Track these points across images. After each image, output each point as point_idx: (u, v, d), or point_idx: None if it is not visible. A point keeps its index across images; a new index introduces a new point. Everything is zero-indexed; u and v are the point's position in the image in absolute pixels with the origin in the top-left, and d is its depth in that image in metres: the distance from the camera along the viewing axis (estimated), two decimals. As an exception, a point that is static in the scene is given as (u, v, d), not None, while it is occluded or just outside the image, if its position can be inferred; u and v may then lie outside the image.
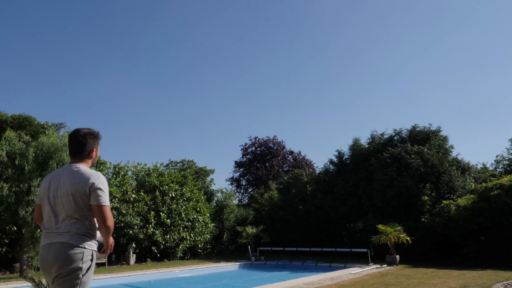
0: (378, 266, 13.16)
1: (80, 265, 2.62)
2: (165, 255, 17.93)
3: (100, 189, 2.69)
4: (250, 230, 18.11)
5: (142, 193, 17.47)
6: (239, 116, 45.10)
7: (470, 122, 38.88)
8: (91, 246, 2.73)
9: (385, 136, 19.12)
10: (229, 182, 35.14)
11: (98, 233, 2.81)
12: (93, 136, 2.93)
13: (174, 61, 38.87)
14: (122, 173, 18.21)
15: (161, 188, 18.36)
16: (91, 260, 2.70)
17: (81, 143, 2.85)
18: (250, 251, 17.01)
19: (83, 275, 2.62)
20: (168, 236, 17.55)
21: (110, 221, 2.69)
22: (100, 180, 2.73)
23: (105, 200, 2.70)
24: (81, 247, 2.65)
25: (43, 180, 2.94)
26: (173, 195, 18.77)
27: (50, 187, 2.82)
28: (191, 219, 19.15)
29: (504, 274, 10.25)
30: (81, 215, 2.70)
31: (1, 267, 13.66)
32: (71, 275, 2.59)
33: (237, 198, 33.80)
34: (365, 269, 12.22)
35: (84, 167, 2.80)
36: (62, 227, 2.69)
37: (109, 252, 2.94)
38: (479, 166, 18.80)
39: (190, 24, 38.87)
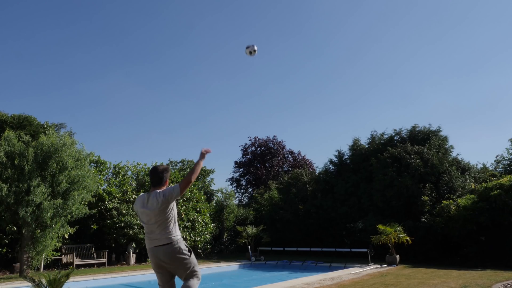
0: (378, 266, 13.16)
1: None
2: (165, 255, 17.91)
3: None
4: (250, 230, 18.11)
5: (142, 193, 17.46)
6: (239, 116, 45.13)
7: (470, 122, 38.91)
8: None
9: (385, 136, 19.13)
10: (229, 182, 35.16)
11: None
12: (167, 171, 4.02)
13: (174, 61, 38.88)
14: (122, 173, 18.21)
15: (161, 188, 18.34)
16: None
17: (160, 178, 3.93)
18: (250, 251, 17.01)
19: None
20: (168, 236, 17.53)
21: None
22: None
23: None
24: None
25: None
26: (173, 195, 18.74)
27: None
28: (191, 219, 19.15)
29: (504, 274, 10.25)
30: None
31: (1, 267, 13.66)
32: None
33: (237, 198, 33.83)
34: (365, 269, 12.22)
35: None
36: None
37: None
38: (479, 166, 18.79)
39: (190, 24, 38.89)
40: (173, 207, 3.85)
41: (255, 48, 6.96)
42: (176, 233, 3.84)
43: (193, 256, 3.88)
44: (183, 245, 3.82)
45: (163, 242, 3.74)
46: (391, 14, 37.65)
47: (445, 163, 16.31)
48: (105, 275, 11.93)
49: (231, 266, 15.46)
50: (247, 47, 6.97)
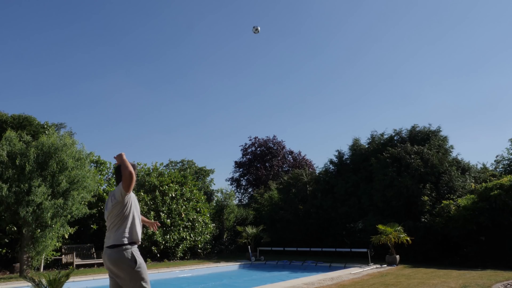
0: (378, 266, 13.16)
1: None
2: (165, 255, 17.93)
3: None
4: (250, 230, 18.11)
5: (142, 193, 17.47)
6: (239, 116, 45.14)
7: (470, 122, 38.91)
8: None
9: (385, 136, 19.13)
10: (229, 182, 35.18)
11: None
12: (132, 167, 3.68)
13: (174, 61, 38.88)
14: (122, 173, 18.19)
15: (161, 188, 18.37)
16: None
17: (120, 175, 3.54)
18: (250, 251, 17.02)
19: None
20: (168, 236, 17.55)
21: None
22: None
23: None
24: None
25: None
26: (173, 195, 18.77)
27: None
28: (191, 219, 19.15)
29: (504, 274, 10.26)
30: None
31: (1, 267, 13.66)
32: None
33: (237, 198, 33.84)
34: (365, 269, 12.23)
35: None
36: None
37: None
38: (479, 166, 18.79)
39: (189, 24, 38.89)
40: (129, 208, 3.52)
41: (258, 28, 9.04)
42: (129, 238, 3.47)
43: (142, 269, 3.43)
44: (131, 253, 3.42)
45: (109, 243, 3.44)
46: (391, 14, 37.68)
47: (445, 163, 16.31)
48: (105, 275, 11.90)
49: (231, 266, 15.46)
50: (254, 27, 8.91)
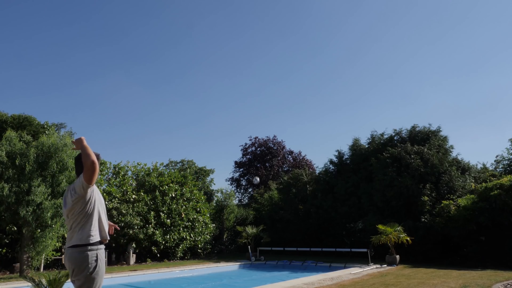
0: (378, 266, 13.16)
1: None
2: (165, 255, 17.93)
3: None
4: (250, 230, 18.12)
5: (142, 193, 17.47)
6: (239, 116, 45.14)
7: (470, 122, 38.90)
8: None
9: (385, 136, 19.13)
10: (229, 182, 35.20)
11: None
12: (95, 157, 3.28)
13: (174, 61, 38.88)
14: (122, 173, 18.21)
15: (161, 188, 18.37)
16: None
17: (81, 166, 3.12)
18: (250, 251, 17.02)
19: None
20: (168, 236, 17.55)
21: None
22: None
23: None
24: None
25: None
26: (173, 195, 18.77)
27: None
28: (191, 219, 19.15)
29: (504, 274, 10.26)
30: None
31: (1, 267, 13.66)
32: None
33: (237, 198, 33.84)
34: (365, 269, 12.23)
35: None
36: None
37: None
38: (479, 166, 18.79)
39: (189, 24, 38.89)
40: (93, 203, 3.14)
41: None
42: (95, 237, 3.11)
43: (98, 277, 3.05)
44: (95, 255, 3.05)
45: (71, 243, 3.07)
46: (391, 14, 37.68)
47: (445, 163, 16.32)
48: (105, 275, 11.90)
49: (231, 266, 15.46)
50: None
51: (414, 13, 36.54)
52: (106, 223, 3.28)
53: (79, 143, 3.08)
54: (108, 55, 36.63)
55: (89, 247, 3.04)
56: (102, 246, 3.18)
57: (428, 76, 37.91)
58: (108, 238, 3.27)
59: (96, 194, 3.19)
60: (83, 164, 2.97)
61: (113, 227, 3.84)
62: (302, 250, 17.85)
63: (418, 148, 16.78)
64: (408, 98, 39.67)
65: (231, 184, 34.93)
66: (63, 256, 3.27)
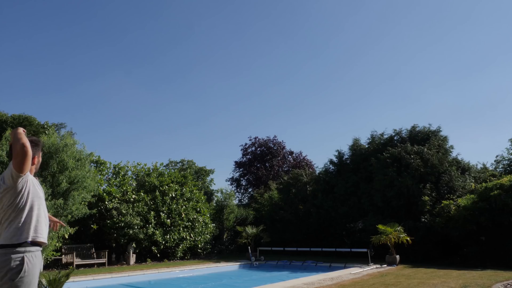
0: (378, 266, 13.16)
1: None
2: (165, 255, 17.94)
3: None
4: (250, 230, 18.11)
5: (142, 193, 17.47)
6: (239, 116, 45.12)
7: (470, 122, 38.88)
8: None
9: (385, 136, 19.13)
10: (229, 182, 35.19)
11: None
12: (34, 144, 2.86)
13: (174, 61, 38.88)
14: (122, 173, 18.22)
15: (161, 188, 18.37)
16: None
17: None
18: (250, 251, 17.02)
19: None
20: (168, 236, 17.55)
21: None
22: None
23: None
24: None
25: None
26: (173, 195, 18.77)
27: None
28: (191, 219, 19.15)
29: (504, 274, 10.26)
30: None
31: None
32: None
33: (237, 198, 33.83)
34: (365, 269, 12.23)
35: None
36: None
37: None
38: (479, 166, 18.78)
39: (190, 24, 38.89)
40: (26, 195, 2.68)
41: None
42: (25, 237, 2.59)
43: (23, 284, 2.49)
44: (20, 259, 2.52)
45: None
46: (392, 15, 37.66)
47: (445, 163, 16.31)
48: (105, 275, 11.93)
49: (231, 266, 15.46)
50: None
51: (415, 14, 36.55)
52: (44, 220, 2.78)
53: (13, 131, 2.65)
54: (108, 55, 36.66)
55: (15, 249, 2.54)
56: (35, 248, 2.65)
57: (428, 76, 37.92)
58: (46, 239, 2.75)
59: (31, 186, 2.75)
60: (12, 149, 2.54)
61: (58, 224, 3.39)
62: (302, 250, 17.85)
63: (418, 148, 16.78)
64: (408, 98, 39.68)
65: (231, 184, 34.94)
66: None
